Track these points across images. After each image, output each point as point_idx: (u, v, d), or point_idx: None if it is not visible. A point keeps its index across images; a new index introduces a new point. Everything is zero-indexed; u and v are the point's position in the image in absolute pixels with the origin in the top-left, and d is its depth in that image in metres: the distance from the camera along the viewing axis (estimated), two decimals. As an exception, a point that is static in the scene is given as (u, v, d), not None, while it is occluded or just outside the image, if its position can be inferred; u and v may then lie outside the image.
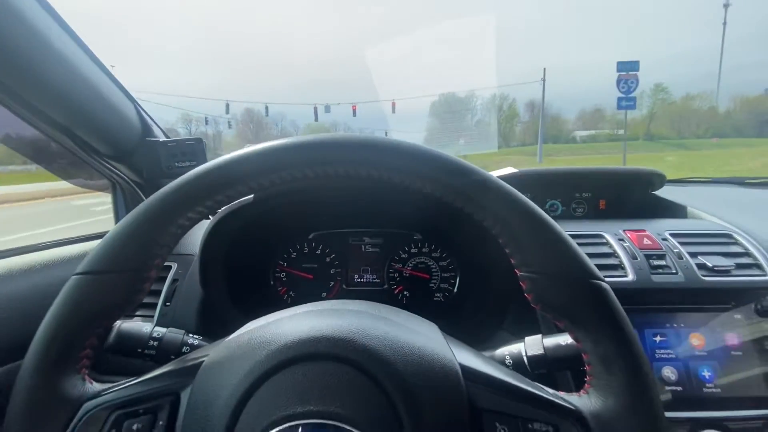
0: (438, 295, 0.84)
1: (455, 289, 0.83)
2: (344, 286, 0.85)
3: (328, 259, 0.86)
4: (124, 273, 0.34)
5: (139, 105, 0.77)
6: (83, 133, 0.67)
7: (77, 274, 0.34)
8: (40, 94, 0.58)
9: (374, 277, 0.86)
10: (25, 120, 0.62)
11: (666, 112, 53.98)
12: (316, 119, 27.66)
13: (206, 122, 44.36)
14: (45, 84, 0.58)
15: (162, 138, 0.80)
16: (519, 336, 0.49)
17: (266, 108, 33.78)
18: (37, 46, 0.55)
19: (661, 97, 55.81)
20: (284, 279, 0.85)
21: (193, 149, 0.75)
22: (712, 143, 36.61)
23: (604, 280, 0.31)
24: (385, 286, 0.85)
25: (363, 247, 0.86)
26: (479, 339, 0.67)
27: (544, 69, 27.17)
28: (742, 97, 53.77)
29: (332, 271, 0.85)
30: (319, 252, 0.86)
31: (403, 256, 0.85)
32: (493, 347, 0.50)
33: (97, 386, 0.35)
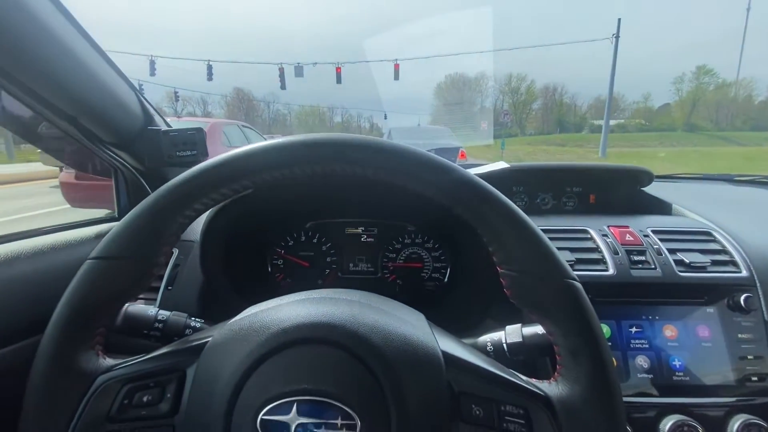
0: (429, 284, 0.87)
1: (446, 279, 0.87)
2: (339, 274, 0.89)
3: (324, 248, 0.88)
4: (135, 259, 0.37)
5: (141, 94, 0.78)
6: (87, 121, 0.69)
7: (92, 258, 0.36)
8: (44, 84, 0.60)
9: (368, 266, 0.89)
10: (31, 108, 0.64)
11: (709, 100, 47.33)
12: (283, 86, 19.21)
13: (176, 98, 38.23)
14: (49, 73, 0.59)
15: (163, 127, 0.81)
16: (503, 324, 0.53)
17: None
18: (40, 36, 0.56)
19: (706, 81, 48.84)
20: (281, 266, 0.88)
21: (194, 139, 0.77)
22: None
23: (576, 280, 0.35)
24: (379, 275, 0.88)
25: (358, 236, 0.89)
26: (466, 326, 0.70)
27: (619, 20, 18.10)
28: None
29: (328, 259, 0.89)
30: (315, 240, 0.88)
31: (396, 246, 0.88)
32: (478, 334, 0.54)
33: (110, 361, 0.38)
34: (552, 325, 0.35)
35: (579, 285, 0.35)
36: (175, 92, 36.54)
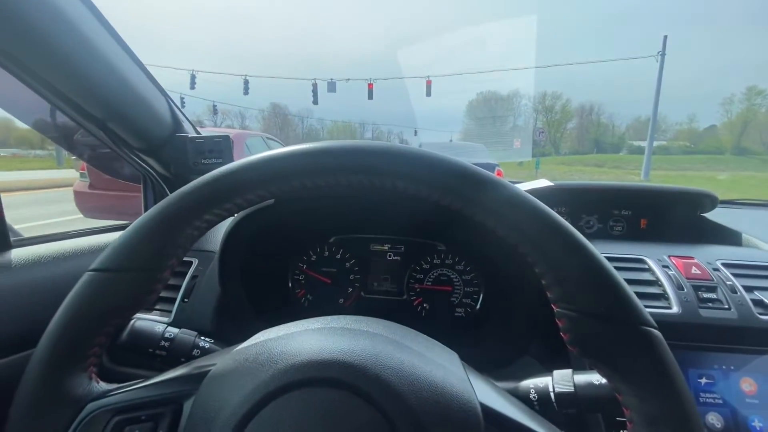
0: (459, 310, 0.80)
1: (478, 306, 0.79)
2: (362, 293, 0.83)
3: (347, 265, 0.84)
4: (137, 272, 0.33)
5: (171, 99, 0.77)
6: (116, 126, 0.68)
7: (91, 270, 0.33)
8: (73, 86, 0.59)
9: (393, 286, 0.83)
10: (62, 111, 0.63)
11: (761, 122, 44.92)
12: (315, 101, 19.79)
13: (215, 111, 38.31)
14: (78, 76, 0.58)
15: (192, 133, 0.80)
16: (545, 363, 0.46)
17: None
18: (75, 40, 0.55)
19: (757, 102, 46.40)
20: (302, 281, 0.84)
21: (220, 146, 0.75)
22: None
23: (656, 327, 0.27)
24: (405, 297, 0.82)
25: (384, 254, 0.84)
26: (501, 362, 0.63)
27: (665, 37, 17.39)
28: None
29: (351, 276, 0.83)
30: (339, 256, 0.84)
31: (425, 266, 0.82)
32: (516, 372, 0.47)
33: (103, 386, 0.34)
34: (623, 383, 0.28)
35: (659, 335, 0.28)
36: (214, 106, 37.99)
